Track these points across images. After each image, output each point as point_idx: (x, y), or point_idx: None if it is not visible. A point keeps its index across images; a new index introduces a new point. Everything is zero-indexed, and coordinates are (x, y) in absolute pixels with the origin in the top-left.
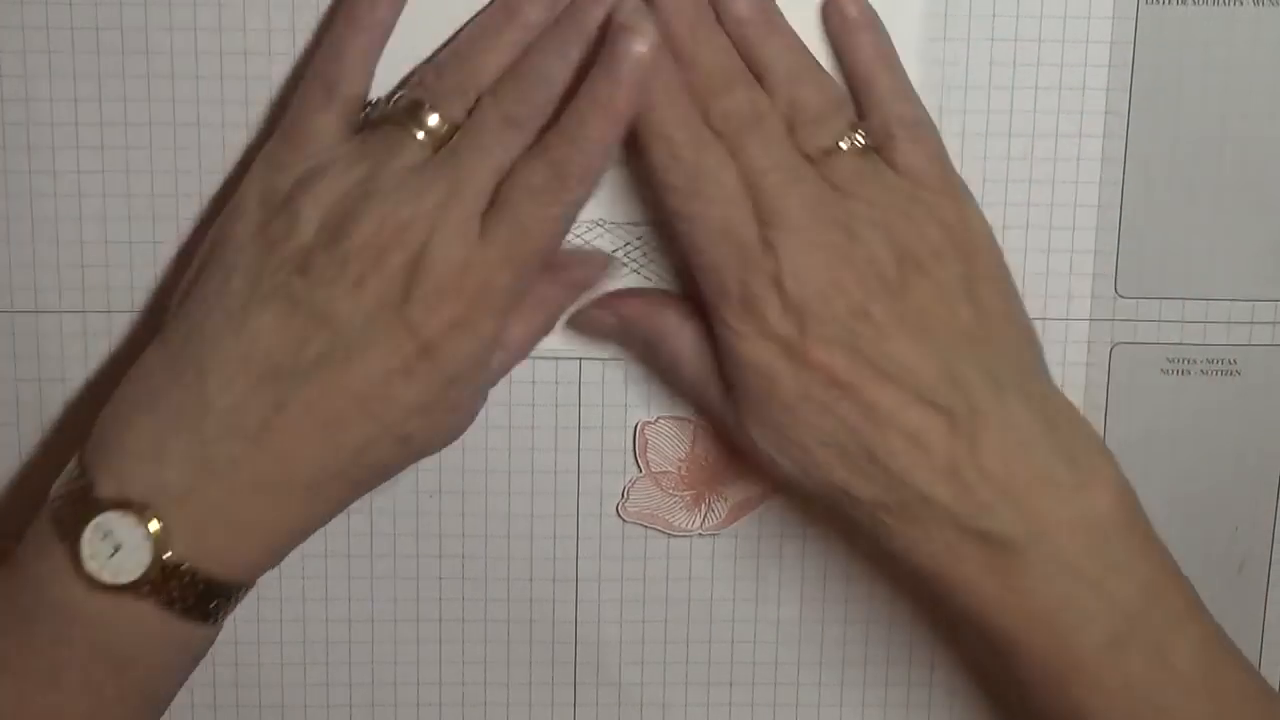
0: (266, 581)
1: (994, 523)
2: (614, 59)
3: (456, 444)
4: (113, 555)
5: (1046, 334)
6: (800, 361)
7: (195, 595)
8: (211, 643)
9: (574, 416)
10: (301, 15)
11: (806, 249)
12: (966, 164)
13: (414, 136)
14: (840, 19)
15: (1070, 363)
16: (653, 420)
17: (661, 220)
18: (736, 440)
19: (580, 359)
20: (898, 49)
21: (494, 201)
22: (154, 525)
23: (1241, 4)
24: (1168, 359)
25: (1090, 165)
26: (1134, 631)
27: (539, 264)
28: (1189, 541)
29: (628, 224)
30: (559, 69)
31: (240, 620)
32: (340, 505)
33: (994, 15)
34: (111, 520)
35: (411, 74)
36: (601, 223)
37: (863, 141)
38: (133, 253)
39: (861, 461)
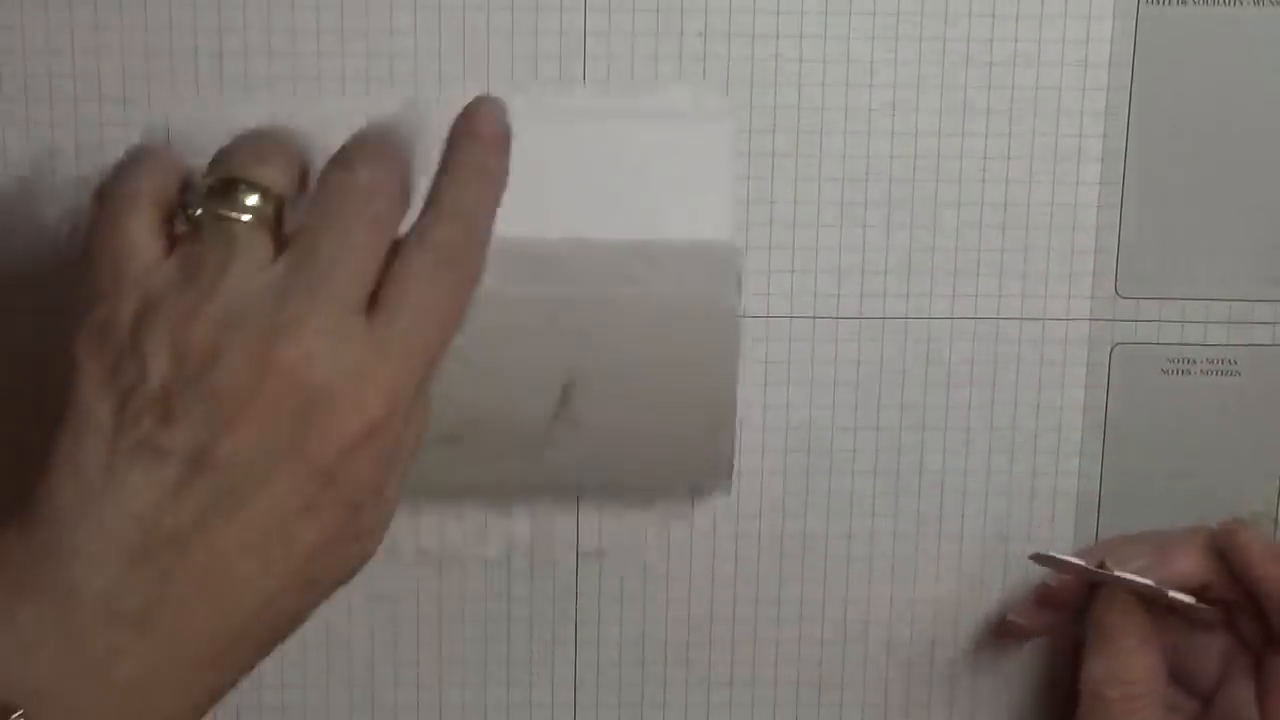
0: None
1: None
2: (471, 113)
3: None
4: None
5: (1046, 334)
6: None
7: None
8: None
9: None
10: (305, 14)
11: None
12: (967, 164)
13: (245, 226)
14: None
15: (1070, 363)
16: None
17: None
18: None
19: None
20: (899, 45)
21: (377, 289)
22: None
23: (1241, 4)
24: (1168, 359)
25: (1090, 165)
26: None
27: (443, 356)
28: None
29: None
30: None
31: None
32: (246, 669)
33: (994, 15)
34: None
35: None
36: None
37: None
38: None
39: None
